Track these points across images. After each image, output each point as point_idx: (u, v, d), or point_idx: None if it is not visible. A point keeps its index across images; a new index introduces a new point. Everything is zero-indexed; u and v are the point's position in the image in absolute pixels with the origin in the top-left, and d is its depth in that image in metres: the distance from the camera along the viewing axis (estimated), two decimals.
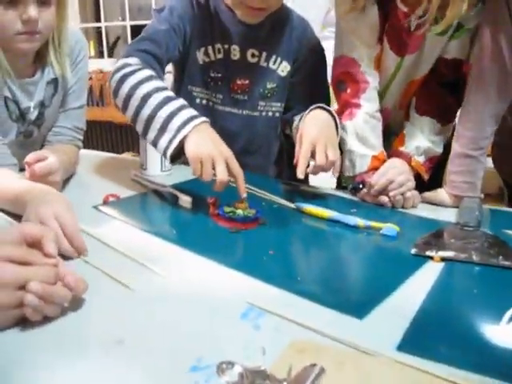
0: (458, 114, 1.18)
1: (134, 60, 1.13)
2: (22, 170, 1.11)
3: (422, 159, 1.18)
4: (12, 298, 0.59)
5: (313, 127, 1.09)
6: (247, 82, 1.30)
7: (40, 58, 1.19)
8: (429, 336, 0.63)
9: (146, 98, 1.05)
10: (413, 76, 1.22)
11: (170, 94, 1.07)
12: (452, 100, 1.19)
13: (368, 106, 1.21)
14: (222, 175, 0.95)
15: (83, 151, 1.39)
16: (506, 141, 1.34)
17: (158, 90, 1.06)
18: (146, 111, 1.04)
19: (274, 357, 0.56)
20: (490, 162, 1.44)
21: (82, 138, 1.34)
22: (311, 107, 1.16)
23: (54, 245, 0.65)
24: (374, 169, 1.17)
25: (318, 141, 1.05)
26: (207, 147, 0.97)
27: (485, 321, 0.67)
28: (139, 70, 1.10)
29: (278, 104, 1.35)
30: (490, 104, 1.10)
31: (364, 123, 1.20)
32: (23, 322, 0.62)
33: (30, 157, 1.01)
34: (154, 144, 1.05)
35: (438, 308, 0.70)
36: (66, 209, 0.84)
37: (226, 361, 0.50)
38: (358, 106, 1.21)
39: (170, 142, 1.01)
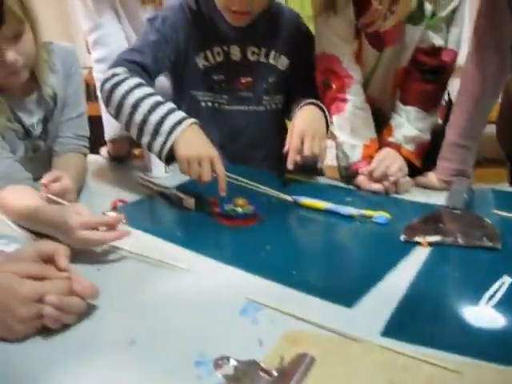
0: (449, 105, 1.22)
1: (121, 70, 1.19)
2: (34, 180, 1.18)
3: (411, 147, 1.22)
4: (32, 310, 0.66)
5: (302, 121, 1.17)
6: (250, 79, 1.36)
7: (35, 77, 1.23)
8: (411, 321, 0.69)
9: (136, 105, 1.12)
10: (396, 66, 1.27)
11: (160, 98, 1.14)
12: (434, 87, 1.23)
13: (354, 99, 1.25)
14: (205, 175, 1.04)
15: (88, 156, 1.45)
16: (509, 115, 1.37)
17: (147, 96, 1.13)
18: (137, 117, 1.11)
19: (269, 348, 0.63)
20: (493, 128, 1.47)
21: (86, 143, 1.39)
22: (302, 103, 1.22)
23: (66, 259, 0.72)
24: (368, 157, 1.22)
25: (306, 133, 1.15)
26: (194, 148, 1.06)
27: (465, 303, 0.73)
28: (128, 78, 1.16)
29: (279, 96, 1.41)
30: (484, 93, 1.13)
31: (352, 116, 1.25)
32: (44, 331, 0.69)
33: (46, 178, 1.08)
34: (149, 148, 1.13)
35: (421, 293, 0.76)
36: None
37: (221, 356, 0.56)
38: (344, 100, 1.25)
39: (164, 144, 1.09)
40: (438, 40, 1.20)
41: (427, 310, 0.72)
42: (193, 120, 1.10)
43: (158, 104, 1.12)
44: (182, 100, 1.40)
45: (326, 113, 1.23)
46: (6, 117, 1.19)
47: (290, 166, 1.14)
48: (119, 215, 0.97)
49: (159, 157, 1.12)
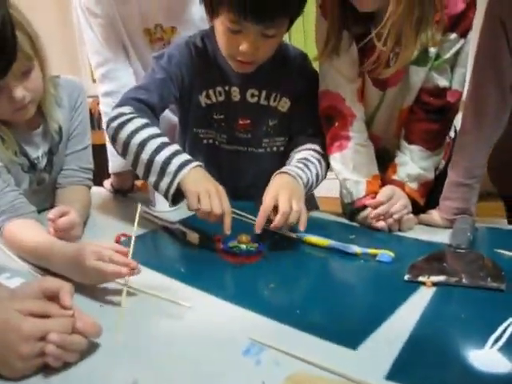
0: (455, 142, 1.22)
1: (128, 109, 1.21)
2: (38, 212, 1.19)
3: (414, 185, 1.23)
4: (34, 348, 0.66)
5: (276, 186, 1.13)
6: (249, 121, 1.35)
7: (41, 110, 1.25)
8: (416, 364, 0.68)
9: (143, 145, 1.14)
10: (400, 106, 1.27)
11: (165, 139, 1.16)
12: (439, 126, 1.23)
13: (357, 136, 1.26)
14: (216, 208, 1.04)
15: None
16: (503, 157, 1.36)
17: (153, 136, 1.15)
18: (144, 157, 1.13)
19: None
20: None
21: (91, 176, 1.40)
22: (276, 172, 1.19)
23: (70, 297, 0.71)
24: (372, 193, 1.22)
25: (281, 192, 1.09)
26: (203, 184, 1.08)
27: (470, 346, 0.72)
28: (134, 118, 1.18)
29: (282, 138, 1.40)
30: (486, 133, 1.14)
31: (355, 153, 1.25)
32: (45, 369, 0.68)
33: (53, 213, 1.08)
34: (156, 187, 1.14)
35: (426, 335, 0.75)
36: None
37: None
38: (347, 138, 1.26)
39: (170, 183, 1.10)
40: (442, 81, 1.20)
41: (432, 353, 0.71)
42: (198, 163, 1.12)
43: (164, 145, 1.14)
44: (186, 136, 1.41)
45: (300, 181, 1.18)
46: (13, 150, 1.20)
47: (257, 229, 1.05)
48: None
49: (166, 196, 1.13)
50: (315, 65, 1.35)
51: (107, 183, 1.62)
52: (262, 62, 1.24)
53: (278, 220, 1.05)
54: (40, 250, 0.99)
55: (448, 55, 1.17)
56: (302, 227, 1.08)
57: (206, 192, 1.06)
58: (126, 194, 1.56)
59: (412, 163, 1.23)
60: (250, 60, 1.20)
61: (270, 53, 1.22)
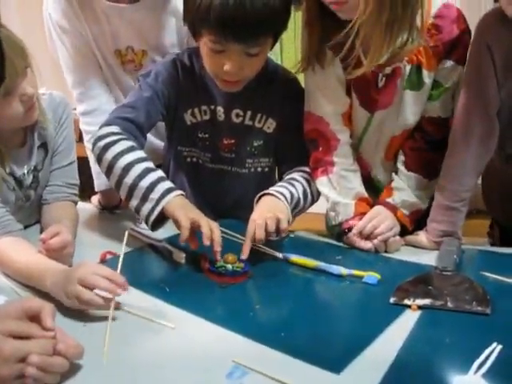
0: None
1: (115, 128, 1.21)
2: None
3: (407, 212, 1.22)
4: (13, 370, 0.65)
5: (258, 210, 1.14)
6: (233, 141, 1.34)
7: (26, 127, 1.24)
8: None
9: (127, 169, 1.14)
10: (392, 132, 1.26)
11: (150, 164, 1.16)
12: (439, 157, 1.20)
13: (342, 161, 1.25)
14: (208, 235, 1.05)
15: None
16: (493, 182, 1.37)
17: (138, 161, 1.16)
18: (127, 180, 1.14)
19: None
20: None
21: (76, 192, 1.39)
22: (258, 195, 1.19)
23: (52, 319, 0.71)
24: (360, 214, 1.22)
25: (268, 213, 1.10)
26: (192, 211, 1.09)
27: (455, 371, 0.72)
28: (121, 139, 1.18)
29: (266, 159, 1.38)
30: (472, 157, 1.15)
31: (340, 177, 1.25)
32: None
33: (46, 234, 1.07)
34: (137, 211, 1.14)
35: (410, 360, 0.75)
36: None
37: None
38: (331, 163, 1.25)
39: (152, 210, 1.11)
40: (445, 112, 1.21)
41: (416, 379, 0.71)
42: (180, 192, 1.13)
43: (148, 170, 1.14)
44: (170, 154, 1.41)
45: (284, 202, 1.18)
46: (3, 167, 1.20)
47: (244, 256, 1.06)
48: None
49: (146, 222, 1.14)
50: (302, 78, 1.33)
51: (95, 199, 1.61)
52: (249, 81, 1.24)
53: (257, 233, 1.08)
54: (31, 270, 0.98)
55: (450, 83, 1.17)
56: (282, 233, 1.12)
57: (199, 216, 1.08)
58: (114, 210, 1.55)
59: (409, 190, 1.23)
60: (235, 79, 1.20)
61: (255, 71, 1.22)
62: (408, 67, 1.17)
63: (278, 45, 2.41)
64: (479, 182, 1.33)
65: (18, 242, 1.09)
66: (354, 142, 1.30)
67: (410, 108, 1.21)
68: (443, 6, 1.14)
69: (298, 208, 1.25)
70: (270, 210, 1.12)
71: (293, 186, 1.24)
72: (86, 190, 1.56)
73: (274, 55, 2.86)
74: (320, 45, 1.19)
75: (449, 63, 1.16)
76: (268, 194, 1.18)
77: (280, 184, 1.25)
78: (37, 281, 0.97)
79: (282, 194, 1.18)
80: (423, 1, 1.09)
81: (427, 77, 1.17)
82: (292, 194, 1.21)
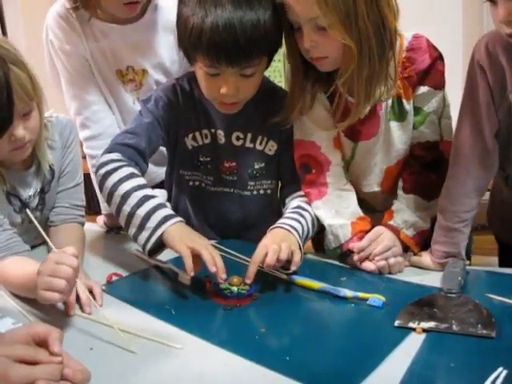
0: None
1: (116, 155, 1.22)
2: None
3: (410, 233, 1.22)
4: None
5: (268, 239, 1.14)
6: (234, 164, 1.35)
7: (33, 150, 1.25)
8: None
9: (126, 197, 1.15)
10: (387, 162, 1.29)
11: (149, 192, 1.17)
12: (435, 178, 1.23)
13: (335, 181, 1.27)
14: (211, 262, 1.05)
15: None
16: (496, 200, 1.38)
17: (137, 188, 1.16)
18: (126, 208, 1.14)
19: None
20: (487, 195, 1.43)
21: (83, 213, 1.40)
22: (270, 228, 1.19)
23: (59, 344, 0.71)
24: (359, 232, 1.23)
25: (282, 242, 1.10)
26: (190, 239, 1.09)
27: None
28: (121, 167, 1.19)
29: (269, 181, 1.38)
30: (472, 178, 1.15)
31: (335, 197, 1.26)
32: None
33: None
34: (135, 239, 1.15)
35: None
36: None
37: None
38: (325, 184, 1.27)
39: (148, 239, 1.11)
40: (432, 136, 1.23)
41: None
42: (179, 218, 1.13)
43: (146, 198, 1.15)
44: (172, 178, 1.42)
45: (295, 233, 1.18)
46: (4, 191, 1.21)
47: (248, 280, 1.06)
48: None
49: (143, 249, 1.14)
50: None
51: (100, 220, 1.62)
52: (247, 101, 1.25)
53: (269, 257, 1.06)
54: (32, 282, 0.98)
55: (431, 108, 1.21)
56: (293, 266, 1.09)
57: (200, 245, 1.07)
58: (119, 231, 1.56)
59: (408, 210, 1.23)
60: (232, 101, 1.20)
61: (252, 91, 1.22)
62: (389, 100, 1.20)
63: (281, 62, 2.43)
64: (486, 197, 1.33)
65: (23, 260, 1.10)
66: (345, 167, 1.31)
67: (399, 138, 1.25)
68: (413, 38, 1.19)
69: (307, 239, 1.26)
70: (282, 240, 1.11)
71: (302, 216, 1.24)
72: (91, 207, 1.57)
73: (278, 72, 2.88)
74: (304, 93, 1.22)
75: (424, 89, 1.20)
76: (280, 227, 1.18)
77: (290, 215, 1.24)
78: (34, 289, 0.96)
79: (294, 228, 1.18)
80: (395, 52, 1.14)
81: (407, 105, 1.21)
82: (303, 229, 1.21)
